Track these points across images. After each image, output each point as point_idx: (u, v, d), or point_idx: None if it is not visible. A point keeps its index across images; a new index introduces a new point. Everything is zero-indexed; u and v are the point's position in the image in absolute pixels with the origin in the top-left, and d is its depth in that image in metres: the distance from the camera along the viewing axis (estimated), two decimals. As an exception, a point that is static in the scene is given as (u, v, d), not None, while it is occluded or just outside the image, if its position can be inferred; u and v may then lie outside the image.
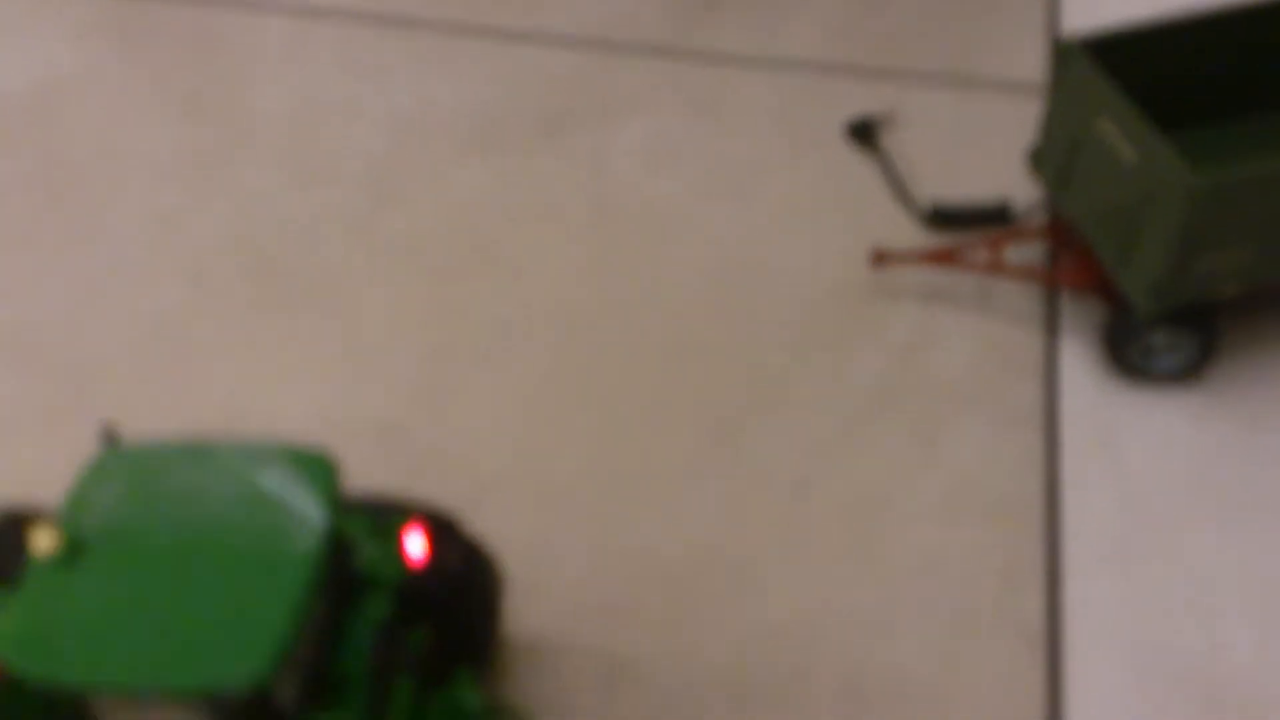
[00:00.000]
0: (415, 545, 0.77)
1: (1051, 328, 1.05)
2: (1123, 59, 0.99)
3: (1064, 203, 1.02)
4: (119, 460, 0.70)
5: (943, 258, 1.05)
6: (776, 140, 1.20)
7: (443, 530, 0.82)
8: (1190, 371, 1.01)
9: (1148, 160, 0.90)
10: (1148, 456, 0.97)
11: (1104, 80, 0.93)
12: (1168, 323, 0.97)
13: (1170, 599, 0.90)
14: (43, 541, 0.67)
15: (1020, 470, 0.95)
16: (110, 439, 0.71)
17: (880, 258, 1.07)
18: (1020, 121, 1.18)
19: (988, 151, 1.16)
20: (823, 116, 1.20)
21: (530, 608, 0.93)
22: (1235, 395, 1.00)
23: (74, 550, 0.67)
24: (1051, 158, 1.02)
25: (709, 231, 1.16)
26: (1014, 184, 1.14)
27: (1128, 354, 1.00)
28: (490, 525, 0.96)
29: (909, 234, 1.12)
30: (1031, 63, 1.14)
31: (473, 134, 1.22)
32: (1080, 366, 1.02)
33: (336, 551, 0.73)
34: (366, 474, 0.86)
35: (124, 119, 1.23)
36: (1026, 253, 1.09)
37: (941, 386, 1.03)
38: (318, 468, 0.72)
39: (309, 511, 0.70)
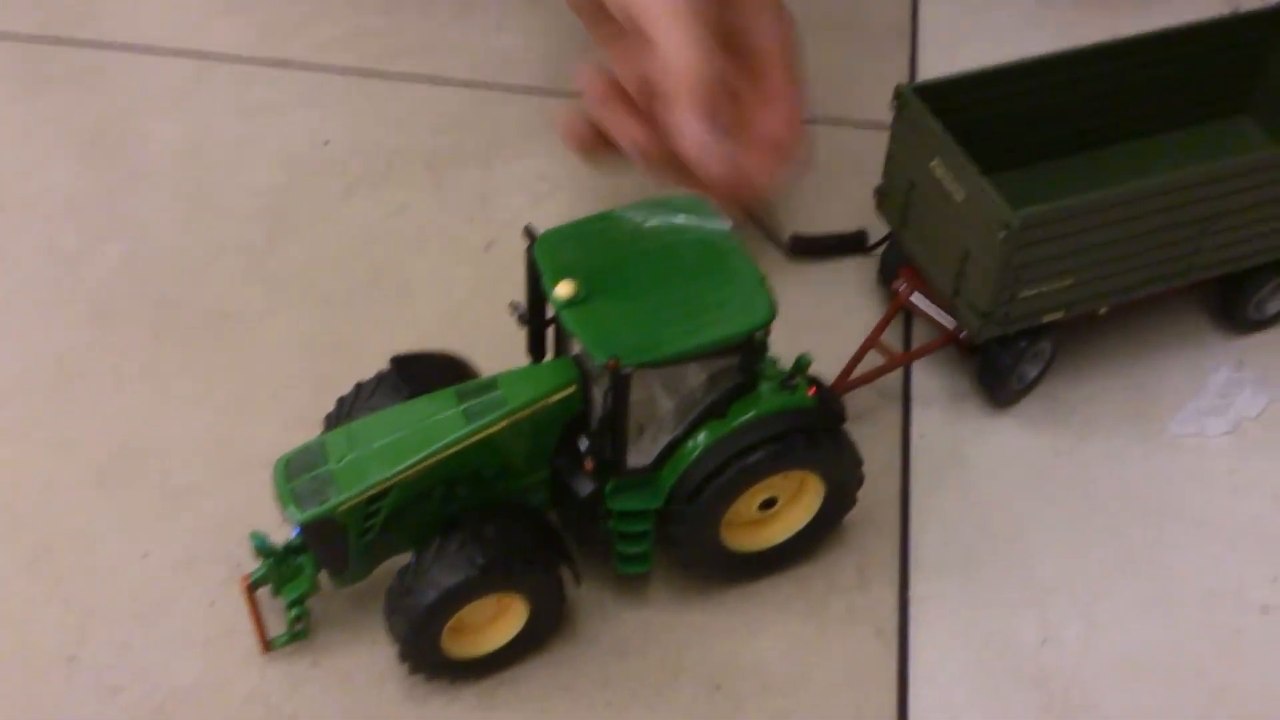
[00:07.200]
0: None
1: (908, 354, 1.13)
2: (956, 104, 1.09)
3: (904, 239, 1.11)
4: (554, 236, 0.90)
5: (875, 375, 1.09)
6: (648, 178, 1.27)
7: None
8: (1033, 384, 1.11)
9: (973, 199, 0.99)
10: (990, 463, 1.10)
11: (934, 125, 1.02)
12: (1029, 342, 1.07)
13: (1008, 596, 1.02)
14: (564, 290, 0.86)
15: (878, 479, 1.05)
16: (532, 232, 0.90)
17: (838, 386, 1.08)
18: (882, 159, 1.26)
19: (855, 187, 1.24)
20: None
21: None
22: (1067, 405, 1.13)
23: (586, 290, 0.86)
24: (894, 197, 1.11)
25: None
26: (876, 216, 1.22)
27: (1007, 386, 1.10)
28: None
29: (775, 262, 1.20)
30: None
31: (364, 170, 1.30)
32: (930, 384, 1.14)
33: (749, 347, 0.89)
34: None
35: (21, 160, 1.28)
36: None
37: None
38: (701, 204, 0.93)
39: (718, 224, 0.92)
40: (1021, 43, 1.13)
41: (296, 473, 0.87)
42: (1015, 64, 1.11)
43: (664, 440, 0.91)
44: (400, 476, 0.87)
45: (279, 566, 0.92)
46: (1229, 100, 1.21)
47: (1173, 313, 1.16)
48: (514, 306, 0.95)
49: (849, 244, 1.21)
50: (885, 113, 1.08)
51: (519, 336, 0.97)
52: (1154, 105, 1.18)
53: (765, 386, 0.92)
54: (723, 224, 0.92)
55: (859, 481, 0.98)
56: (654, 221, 0.92)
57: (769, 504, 0.96)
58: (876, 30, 1.44)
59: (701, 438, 0.91)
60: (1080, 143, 1.17)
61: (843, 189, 1.25)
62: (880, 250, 1.19)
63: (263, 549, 0.92)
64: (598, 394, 0.90)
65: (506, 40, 1.42)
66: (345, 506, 0.86)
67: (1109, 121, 1.17)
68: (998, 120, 1.10)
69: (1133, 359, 1.14)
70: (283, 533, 0.91)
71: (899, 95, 1.06)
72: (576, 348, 0.91)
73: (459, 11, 1.44)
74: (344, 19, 1.44)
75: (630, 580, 0.98)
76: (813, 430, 0.93)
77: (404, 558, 0.90)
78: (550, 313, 0.93)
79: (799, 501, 0.97)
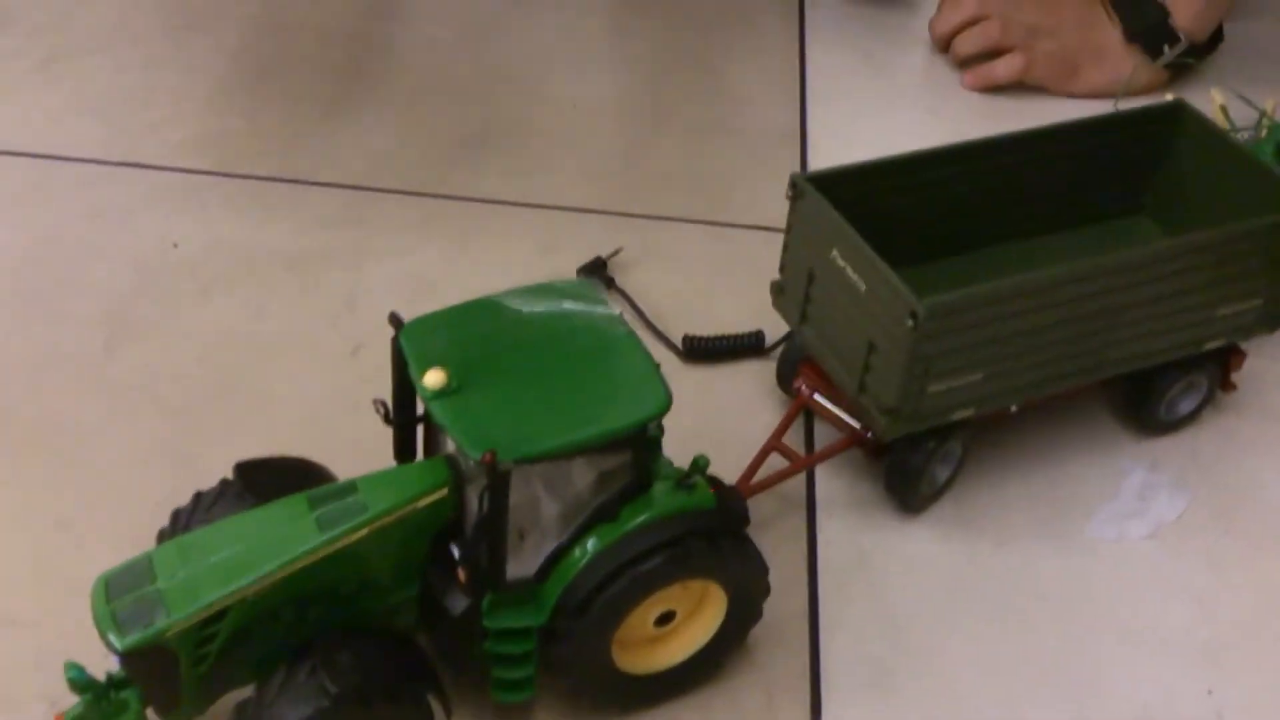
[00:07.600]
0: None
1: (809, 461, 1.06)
2: (849, 196, 1.05)
3: (804, 335, 1.04)
4: (422, 324, 0.82)
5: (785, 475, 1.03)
6: (532, 276, 1.20)
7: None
8: (944, 488, 1.04)
9: (876, 289, 0.93)
10: (902, 572, 1.04)
11: (833, 213, 0.97)
12: (938, 442, 1.01)
13: (924, 716, 0.95)
14: (433, 379, 0.77)
15: (784, 592, 0.99)
16: (398, 320, 0.82)
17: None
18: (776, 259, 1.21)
19: (747, 288, 1.19)
20: (579, 253, 1.22)
21: None
22: (980, 510, 1.08)
23: (459, 380, 0.78)
24: (791, 291, 1.04)
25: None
26: (772, 318, 1.16)
27: (917, 489, 1.04)
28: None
29: (669, 364, 1.13)
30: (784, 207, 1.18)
31: (219, 273, 1.22)
32: (836, 488, 1.08)
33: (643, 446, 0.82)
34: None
35: None
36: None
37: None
38: (587, 289, 0.87)
39: (606, 310, 0.85)
40: (909, 147, 1.10)
41: (119, 593, 0.77)
42: (907, 155, 1.08)
43: (548, 548, 0.83)
44: (240, 595, 0.77)
45: (99, 702, 0.80)
46: (1126, 199, 1.19)
47: (1084, 413, 1.11)
48: (379, 404, 0.86)
49: (746, 345, 1.15)
50: (777, 215, 1.04)
51: (388, 444, 0.88)
52: (1051, 202, 1.16)
53: (660, 486, 0.84)
54: (610, 310, 0.86)
55: (765, 591, 0.89)
56: (536, 307, 0.85)
57: (666, 618, 0.87)
58: (766, 135, 1.41)
59: (590, 544, 0.82)
60: (978, 240, 1.14)
61: (737, 292, 1.21)
62: (778, 352, 1.12)
63: (80, 682, 0.80)
64: (473, 496, 0.81)
65: (375, 142, 1.35)
66: (175, 631, 0.76)
67: (1007, 218, 1.14)
68: (891, 215, 1.06)
69: (1045, 461, 1.08)
70: (110, 664, 0.79)
71: (794, 184, 1.01)
72: (449, 446, 0.83)
73: (325, 115, 1.38)
74: (201, 121, 1.36)
75: (511, 709, 0.89)
76: (713, 534, 0.85)
77: (246, 690, 0.79)
78: (420, 409, 0.85)
79: (700, 615, 0.89)
